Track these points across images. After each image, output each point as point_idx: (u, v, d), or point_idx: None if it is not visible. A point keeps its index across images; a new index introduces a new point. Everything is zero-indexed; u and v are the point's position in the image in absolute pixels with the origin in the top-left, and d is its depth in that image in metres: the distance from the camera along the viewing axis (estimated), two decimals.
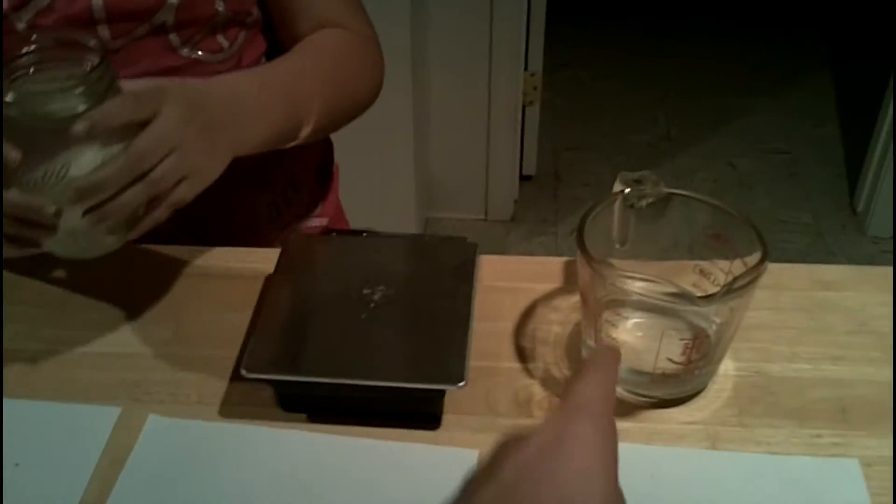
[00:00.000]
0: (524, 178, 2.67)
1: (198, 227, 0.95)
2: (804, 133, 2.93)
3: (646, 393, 0.79)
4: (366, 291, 0.80)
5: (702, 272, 0.81)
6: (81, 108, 0.68)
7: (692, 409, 0.79)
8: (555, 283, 0.90)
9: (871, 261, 2.47)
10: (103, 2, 0.84)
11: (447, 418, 0.77)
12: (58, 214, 0.68)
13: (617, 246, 0.85)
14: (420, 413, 0.76)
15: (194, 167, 0.72)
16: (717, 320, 0.78)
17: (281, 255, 0.85)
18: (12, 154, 0.66)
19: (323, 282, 0.82)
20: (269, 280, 0.84)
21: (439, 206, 2.57)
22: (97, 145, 0.69)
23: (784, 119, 2.98)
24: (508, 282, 0.91)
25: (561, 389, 0.80)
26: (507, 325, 0.86)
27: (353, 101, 0.96)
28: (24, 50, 0.71)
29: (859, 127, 2.79)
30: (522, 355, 0.83)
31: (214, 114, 0.76)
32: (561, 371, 0.82)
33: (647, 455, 0.75)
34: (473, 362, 0.81)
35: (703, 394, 0.80)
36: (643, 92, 3.12)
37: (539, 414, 0.78)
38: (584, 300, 0.79)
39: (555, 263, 0.93)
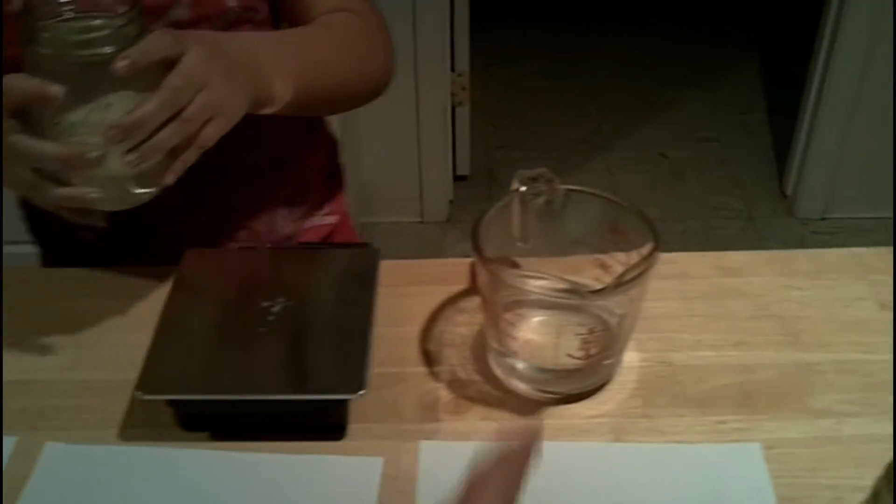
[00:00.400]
0: (459, 179, 2.67)
1: (220, 225, 0.97)
2: (733, 121, 2.97)
3: (551, 389, 0.79)
4: (265, 304, 0.79)
5: (602, 266, 0.81)
6: (115, 50, 0.68)
7: (597, 402, 0.79)
8: (463, 284, 0.90)
9: (801, 242, 2.51)
10: None
11: (353, 427, 0.77)
12: (100, 158, 0.68)
13: (519, 244, 0.85)
14: (324, 424, 0.76)
15: (221, 106, 0.73)
16: (618, 312, 0.78)
17: (178, 272, 0.83)
18: (55, 89, 0.65)
19: (221, 297, 0.81)
20: (168, 298, 0.82)
21: (374, 210, 2.56)
22: (133, 86, 0.69)
23: (713, 108, 3.03)
24: (416, 285, 0.91)
25: (467, 391, 0.80)
26: (414, 329, 0.86)
27: (366, 78, 0.96)
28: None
29: (786, 112, 2.84)
30: (429, 359, 0.83)
31: (234, 58, 0.77)
32: (467, 373, 0.82)
33: (550, 452, 0.74)
34: (379, 369, 0.81)
35: (608, 386, 0.80)
36: (573, 87, 3.14)
37: (445, 417, 0.78)
38: (485, 302, 0.79)
39: (463, 264, 0.93)
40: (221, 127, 0.74)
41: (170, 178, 0.73)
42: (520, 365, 0.79)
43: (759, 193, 2.69)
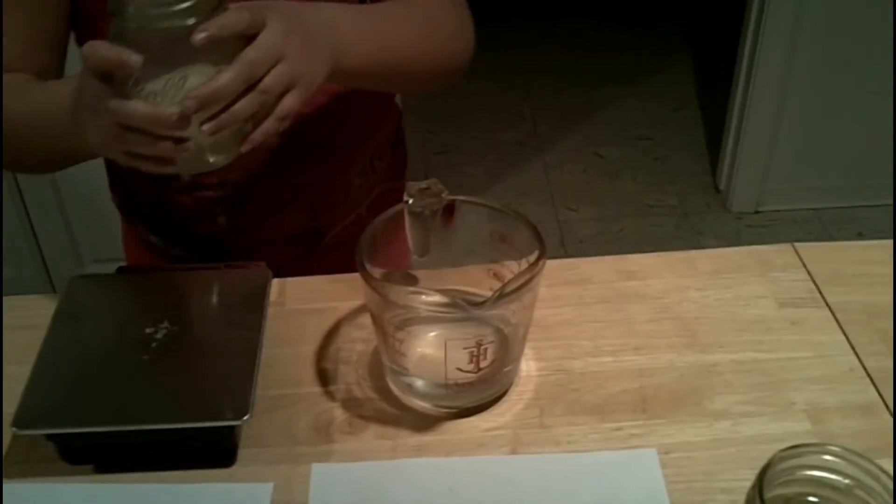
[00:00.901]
0: None
1: (304, 196, 1.00)
2: (666, 117, 2.99)
3: (448, 404, 0.78)
4: (148, 331, 0.77)
5: (495, 275, 0.80)
6: (194, 22, 0.68)
7: (494, 414, 0.78)
8: (360, 299, 0.89)
9: (737, 236, 2.53)
10: None
11: (243, 452, 0.75)
12: (180, 122, 0.68)
13: (414, 257, 0.84)
14: (212, 451, 0.74)
15: (299, 75, 0.74)
16: (510, 322, 0.77)
17: (61, 299, 0.81)
18: (134, 58, 0.66)
19: (104, 325, 0.79)
20: (49, 327, 0.80)
21: None
22: (211, 58, 0.70)
23: (646, 105, 3.04)
24: (313, 303, 0.89)
25: (363, 409, 0.78)
26: (309, 348, 0.84)
27: (444, 59, 0.96)
28: None
29: (717, 107, 2.86)
30: (324, 378, 0.81)
31: (311, 28, 0.78)
32: (363, 390, 0.80)
33: (445, 468, 0.74)
34: (272, 391, 0.79)
35: (505, 397, 0.79)
36: (507, 89, 3.14)
37: (339, 438, 0.76)
38: (374, 319, 0.77)
39: (358, 279, 0.91)
40: (299, 97, 0.75)
41: (245, 147, 0.74)
42: (414, 381, 0.78)
43: (694, 189, 2.71)
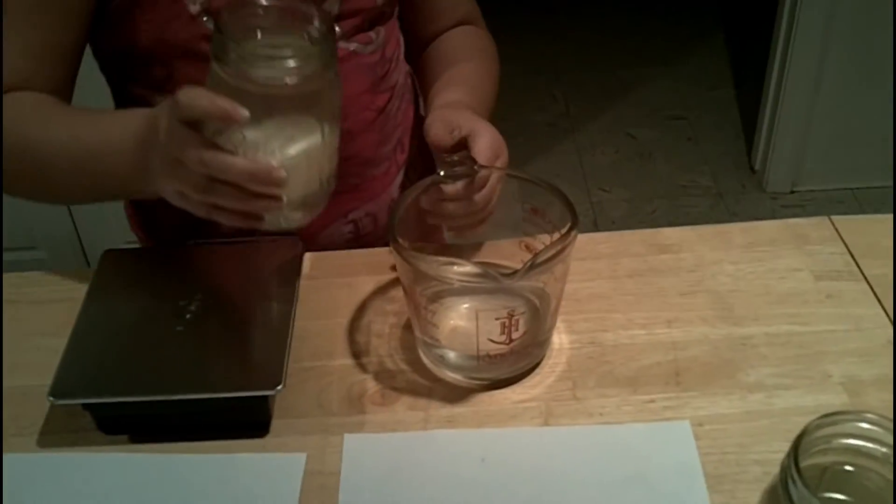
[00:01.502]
0: None
1: (350, 213, 0.99)
2: (699, 98, 2.95)
3: (480, 376, 0.78)
4: (182, 303, 0.77)
5: (527, 248, 0.80)
6: (299, 80, 0.66)
7: (526, 386, 0.78)
8: (392, 273, 0.89)
9: (772, 216, 2.50)
10: None
11: (277, 423, 0.75)
12: (285, 179, 0.67)
13: (447, 233, 0.84)
14: (246, 421, 0.74)
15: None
16: (541, 293, 0.77)
17: (95, 273, 0.82)
18: (243, 113, 0.64)
19: (138, 298, 0.80)
20: (84, 300, 0.81)
21: None
22: (314, 112, 0.69)
23: (679, 85, 3.01)
24: (344, 276, 0.89)
25: (395, 381, 0.78)
26: (342, 320, 0.84)
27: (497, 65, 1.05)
28: (251, 14, 0.70)
29: (752, 87, 2.82)
30: (357, 350, 0.81)
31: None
32: (395, 362, 0.80)
33: (477, 439, 0.74)
34: (305, 363, 0.79)
35: (537, 370, 0.79)
36: (538, 72, 3.12)
37: (371, 408, 0.76)
38: (406, 292, 0.77)
39: (389, 254, 0.91)
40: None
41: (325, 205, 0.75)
42: (446, 353, 0.78)
43: (728, 169, 2.68)
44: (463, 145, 0.80)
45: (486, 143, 0.80)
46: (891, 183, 2.56)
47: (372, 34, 0.95)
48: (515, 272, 0.68)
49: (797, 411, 0.74)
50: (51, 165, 0.81)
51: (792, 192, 2.58)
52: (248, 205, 0.68)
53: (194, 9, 0.84)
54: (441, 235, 0.86)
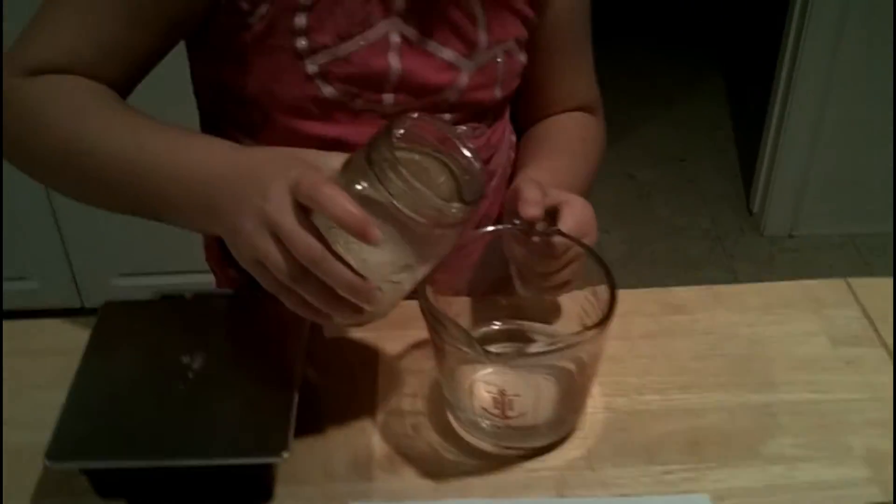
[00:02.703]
0: None
1: None
2: (699, 139, 2.95)
3: (514, 445, 0.75)
4: (185, 360, 0.75)
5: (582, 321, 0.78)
6: (459, 217, 0.64)
7: (539, 455, 0.75)
8: (404, 328, 0.86)
9: (770, 261, 2.49)
10: (401, 69, 0.84)
11: (281, 490, 0.72)
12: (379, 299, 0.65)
13: (518, 287, 0.81)
14: (249, 488, 0.71)
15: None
16: (558, 374, 0.74)
17: (96, 325, 0.79)
18: (379, 237, 0.61)
19: (139, 353, 0.77)
20: (83, 354, 0.78)
21: None
22: (440, 252, 0.67)
23: (679, 127, 3.01)
24: (358, 331, 0.86)
25: (404, 446, 0.76)
26: (349, 379, 0.82)
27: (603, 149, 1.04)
28: (414, 132, 0.66)
29: (751, 129, 2.83)
30: (364, 412, 0.79)
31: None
32: (405, 426, 0.78)
33: None
34: (311, 424, 0.77)
35: None
36: None
37: (379, 475, 0.74)
38: (436, 351, 0.75)
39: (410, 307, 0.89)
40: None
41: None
42: (463, 415, 0.75)
43: (726, 212, 2.67)
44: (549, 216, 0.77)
45: (577, 216, 0.77)
46: (889, 228, 2.55)
47: (485, 122, 0.94)
48: (505, 354, 0.66)
49: (819, 485, 0.72)
50: (101, 167, 0.73)
51: (790, 236, 2.57)
52: (329, 306, 0.64)
53: (312, 69, 0.83)
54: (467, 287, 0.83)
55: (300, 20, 0.81)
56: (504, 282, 0.91)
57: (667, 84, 3.22)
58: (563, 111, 1.00)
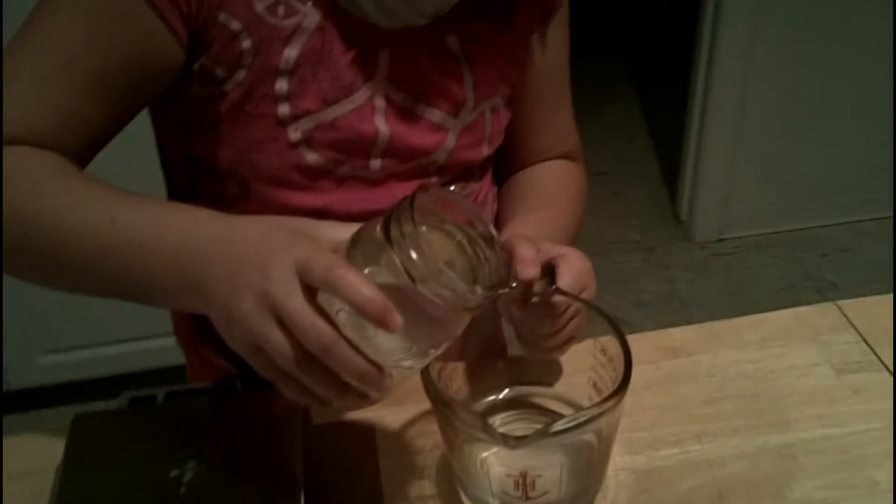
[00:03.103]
0: None
1: None
2: (619, 151, 2.97)
3: None
4: (173, 474, 0.68)
5: (595, 387, 0.74)
6: (477, 303, 0.59)
7: None
8: (401, 403, 0.81)
9: (704, 266, 2.51)
10: (389, 134, 0.80)
11: None
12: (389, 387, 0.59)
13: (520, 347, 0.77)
14: None
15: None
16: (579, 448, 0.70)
17: (67, 443, 0.72)
18: (396, 322, 0.54)
19: (122, 471, 0.70)
20: (56, 481, 0.71)
21: None
22: (454, 335, 0.61)
23: (597, 140, 3.02)
24: (349, 414, 0.81)
25: None
26: (351, 467, 0.76)
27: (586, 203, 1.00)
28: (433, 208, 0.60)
29: (668, 137, 2.86)
30: (377, 499, 0.73)
31: None
32: None
33: None
34: None
35: None
36: None
37: None
38: (445, 436, 0.70)
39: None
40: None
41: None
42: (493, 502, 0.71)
43: (655, 222, 2.69)
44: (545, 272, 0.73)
45: (574, 271, 0.72)
46: (814, 224, 2.61)
47: (472, 180, 0.91)
48: (525, 437, 0.61)
49: None
50: (64, 246, 0.65)
51: (720, 239, 2.60)
52: (335, 393, 0.58)
53: (295, 136, 0.78)
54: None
55: (281, 86, 0.76)
56: (497, 342, 0.87)
57: (579, 97, 3.23)
58: (545, 160, 0.97)
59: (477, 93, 0.84)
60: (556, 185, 0.95)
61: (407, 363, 0.60)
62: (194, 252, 0.61)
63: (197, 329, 0.95)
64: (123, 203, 0.66)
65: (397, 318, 0.55)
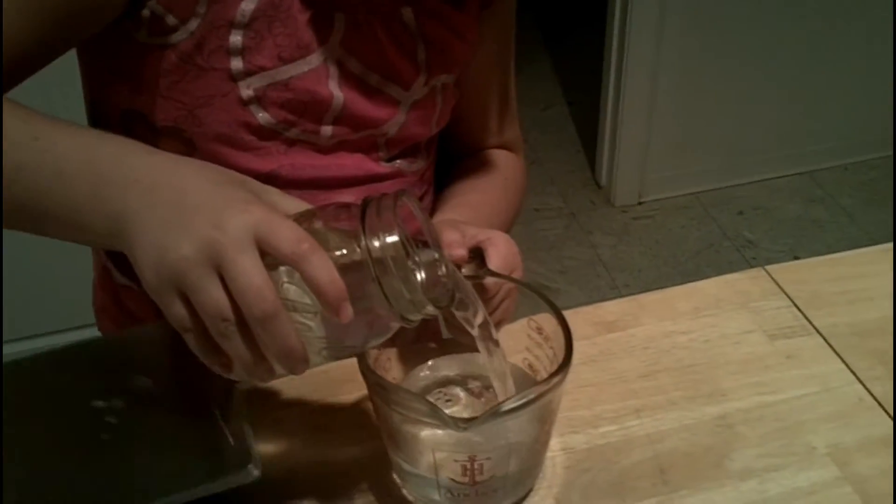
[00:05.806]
0: None
1: None
2: (535, 118, 2.97)
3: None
4: (98, 403, 0.64)
5: (531, 367, 0.73)
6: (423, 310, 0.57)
7: None
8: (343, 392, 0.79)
9: (625, 229, 2.53)
10: (343, 100, 0.78)
11: None
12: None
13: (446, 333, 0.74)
14: None
15: None
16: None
17: None
18: (347, 315, 0.53)
19: (45, 411, 0.65)
20: None
21: None
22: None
23: None
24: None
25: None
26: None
27: (522, 197, 1.00)
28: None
29: (584, 103, 2.87)
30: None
31: None
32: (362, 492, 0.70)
33: None
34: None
35: None
36: None
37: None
38: (382, 422, 0.67)
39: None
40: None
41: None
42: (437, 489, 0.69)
43: (576, 188, 2.69)
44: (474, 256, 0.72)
45: (502, 252, 0.72)
46: (730, 184, 2.65)
47: (419, 157, 0.89)
48: (475, 419, 0.60)
49: (795, 494, 0.70)
50: None
51: (640, 203, 2.62)
52: (245, 363, 0.54)
53: (247, 93, 0.75)
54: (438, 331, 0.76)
55: (235, 39, 0.72)
56: (430, 328, 0.85)
57: None
58: (485, 149, 0.97)
59: (429, 68, 0.82)
60: (492, 174, 0.94)
61: (332, 354, 0.58)
62: (126, 181, 0.56)
63: (124, 318, 0.92)
64: (49, 124, 0.60)
65: (350, 311, 0.53)
